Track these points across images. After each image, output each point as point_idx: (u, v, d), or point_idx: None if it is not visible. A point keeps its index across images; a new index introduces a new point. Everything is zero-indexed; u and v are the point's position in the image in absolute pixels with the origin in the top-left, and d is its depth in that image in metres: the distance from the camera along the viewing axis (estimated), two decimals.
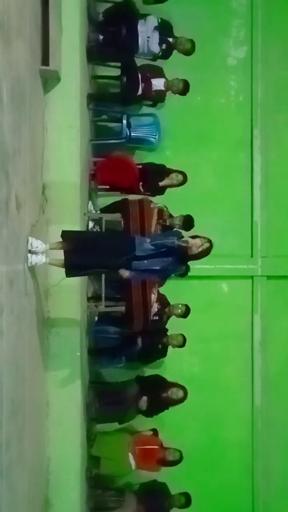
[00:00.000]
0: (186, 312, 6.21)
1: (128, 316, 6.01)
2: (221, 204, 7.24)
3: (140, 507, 6.00)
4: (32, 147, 4.56)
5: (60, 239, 4.53)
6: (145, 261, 4.50)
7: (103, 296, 5.94)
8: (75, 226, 5.20)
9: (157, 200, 6.33)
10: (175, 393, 6.04)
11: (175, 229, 6.06)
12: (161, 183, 6.31)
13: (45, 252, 4.42)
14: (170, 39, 6.22)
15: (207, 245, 4.56)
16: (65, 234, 4.52)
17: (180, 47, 6.25)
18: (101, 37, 6.06)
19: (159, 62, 6.45)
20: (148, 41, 6.15)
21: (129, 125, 6.61)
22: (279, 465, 7.08)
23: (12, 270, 3.88)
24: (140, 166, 6.46)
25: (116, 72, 6.46)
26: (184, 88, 6.29)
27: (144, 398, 6.06)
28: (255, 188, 7.27)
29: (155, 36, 6.15)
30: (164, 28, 6.23)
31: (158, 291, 6.20)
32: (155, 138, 6.89)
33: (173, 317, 6.30)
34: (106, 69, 6.62)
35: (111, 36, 6.10)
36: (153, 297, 6.00)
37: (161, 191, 6.38)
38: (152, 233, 5.67)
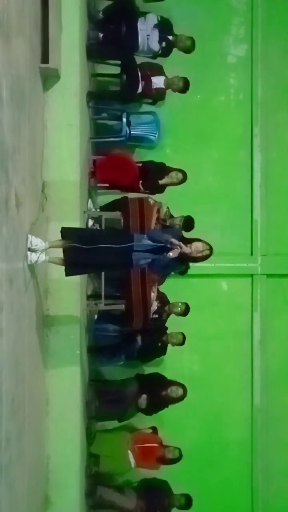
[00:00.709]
0: (185, 311, 6.22)
1: (128, 314, 6.01)
2: (221, 203, 7.24)
3: (140, 503, 6.00)
4: (31, 145, 4.55)
5: (60, 237, 4.53)
6: (146, 254, 4.51)
7: (102, 294, 5.95)
8: (75, 224, 5.20)
9: (158, 199, 6.33)
10: (175, 391, 6.05)
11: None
12: (161, 182, 6.31)
13: (45, 250, 4.42)
14: (170, 37, 6.22)
15: (207, 252, 4.60)
16: (64, 231, 4.52)
17: (180, 45, 6.25)
18: (101, 35, 6.06)
19: (159, 60, 6.44)
20: (148, 39, 6.15)
21: (129, 123, 6.61)
22: (279, 463, 7.08)
23: (11, 268, 3.88)
24: (140, 164, 6.46)
25: (116, 70, 6.45)
26: (184, 86, 6.28)
27: (144, 396, 6.06)
28: (255, 187, 7.27)
29: (155, 34, 6.14)
30: (164, 26, 6.23)
31: (157, 289, 6.20)
32: (155, 136, 6.88)
33: (172, 315, 6.31)
34: (106, 67, 6.61)
35: (111, 34, 6.09)
36: (153, 295, 6.00)
37: (161, 189, 6.38)
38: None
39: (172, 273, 5.19)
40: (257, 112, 7.28)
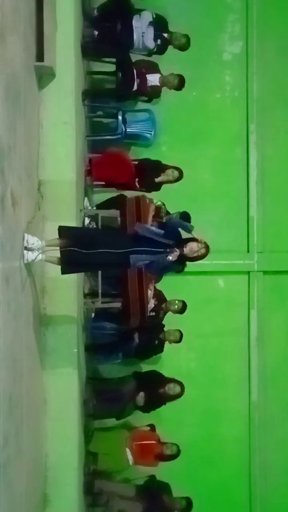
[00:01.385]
0: (182, 308, 6.22)
1: (125, 312, 6.01)
2: (217, 200, 7.24)
3: (140, 502, 5.99)
4: (27, 144, 4.55)
5: (57, 236, 4.52)
6: (143, 255, 4.50)
7: (99, 293, 5.95)
8: (71, 222, 5.19)
9: (154, 196, 6.33)
10: (172, 388, 6.06)
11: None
12: (157, 179, 6.30)
13: (41, 248, 4.41)
14: (165, 35, 6.21)
15: (203, 251, 4.58)
16: (61, 230, 4.52)
17: (175, 43, 6.24)
18: (96, 32, 6.04)
19: (154, 58, 6.43)
20: (143, 36, 6.14)
21: (124, 121, 6.60)
22: (276, 460, 7.10)
23: (8, 267, 3.87)
24: (136, 162, 6.46)
25: (111, 68, 6.44)
26: (180, 84, 6.28)
27: (141, 394, 6.07)
28: (251, 184, 7.27)
29: (150, 32, 6.13)
30: (159, 24, 6.22)
31: (154, 287, 6.20)
32: (150, 134, 6.88)
33: (170, 313, 6.31)
34: (101, 65, 6.60)
35: (106, 31, 6.08)
36: (150, 293, 6.00)
37: (157, 187, 6.38)
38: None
39: (169, 271, 5.18)
40: (252, 109, 7.28)
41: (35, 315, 4.82)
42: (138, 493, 6.08)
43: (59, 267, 4.52)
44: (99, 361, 6.42)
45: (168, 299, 6.34)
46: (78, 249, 4.43)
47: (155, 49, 6.27)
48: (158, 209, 6.21)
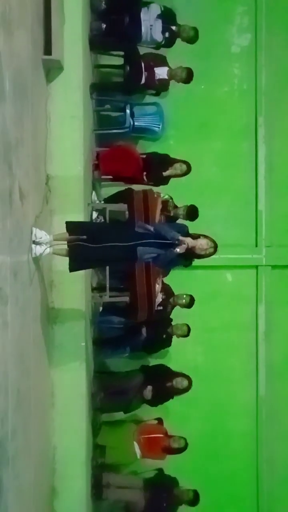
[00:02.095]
0: (190, 302, 6.21)
1: (133, 306, 6.01)
2: (225, 194, 7.21)
3: (147, 494, 6.01)
4: (35, 138, 4.54)
5: (64, 230, 4.52)
6: (151, 248, 4.50)
7: (107, 287, 5.95)
8: (79, 216, 5.19)
9: (161, 190, 6.31)
10: (180, 382, 6.06)
11: (179, 219, 6.04)
12: (164, 173, 6.28)
13: (49, 242, 4.42)
14: (173, 27, 6.18)
15: (211, 250, 4.58)
16: (69, 225, 4.52)
17: (184, 35, 6.21)
18: (103, 26, 6.02)
19: (162, 51, 6.40)
20: (151, 29, 6.11)
21: (132, 115, 6.58)
22: (283, 454, 7.09)
23: (16, 261, 3.88)
24: (144, 156, 6.43)
25: (119, 61, 6.42)
26: (188, 77, 6.25)
27: (149, 387, 6.08)
28: (259, 177, 7.23)
29: (158, 25, 6.10)
30: (167, 16, 6.18)
31: (162, 281, 6.19)
32: (158, 128, 6.85)
33: (177, 307, 6.31)
34: (109, 58, 6.57)
35: (114, 25, 6.05)
36: (157, 287, 6.00)
37: (164, 181, 6.36)
38: (156, 223, 5.65)
39: (176, 266, 5.17)
40: (261, 102, 7.23)
41: (43, 309, 4.83)
42: (145, 485, 6.10)
43: (67, 261, 4.52)
44: (106, 355, 6.43)
45: (175, 293, 6.33)
46: (86, 243, 4.43)
47: (163, 42, 6.24)
48: (165, 202, 6.20)
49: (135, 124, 6.63)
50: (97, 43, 6.03)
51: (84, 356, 5.31)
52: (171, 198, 6.34)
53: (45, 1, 4.82)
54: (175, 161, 6.29)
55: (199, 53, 6.74)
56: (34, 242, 4.32)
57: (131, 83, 6.28)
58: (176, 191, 6.42)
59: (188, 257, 4.63)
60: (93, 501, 5.80)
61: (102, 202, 6.35)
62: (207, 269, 6.88)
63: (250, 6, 7.28)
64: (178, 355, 6.76)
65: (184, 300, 6.22)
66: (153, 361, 6.65)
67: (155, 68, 6.29)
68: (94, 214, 6.04)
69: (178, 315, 6.36)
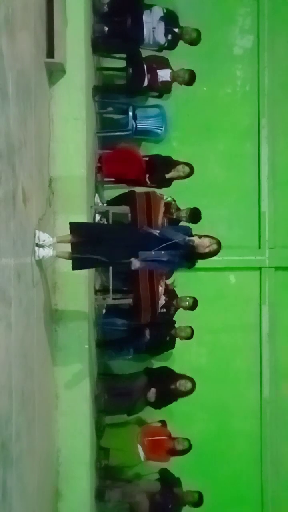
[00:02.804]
0: (193, 305, 6.21)
1: (136, 309, 6.01)
2: (228, 195, 7.21)
3: (153, 495, 6.01)
4: (38, 140, 4.55)
5: (68, 232, 4.53)
6: (152, 252, 4.49)
7: (110, 289, 5.95)
8: (82, 218, 5.19)
9: (164, 192, 6.31)
10: (184, 384, 6.06)
11: (182, 222, 6.04)
12: (167, 175, 6.29)
13: (52, 245, 4.42)
14: (176, 30, 6.19)
15: (214, 246, 4.54)
16: (72, 226, 4.53)
17: (186, 37, 6.21)
18: (106, 28, 6.03)
19: (165, 53, 6.41)
20: (153, 32, 6.12)
21: (135, 117, 6.59)
22: None
23: (19, 263, 3.88)
24: (147, 158, 6.44)
25: (122, 63, 6.43)
26: (190, 79, 6.25)
27: (153, 390, 6.07)
28: (262, 179, 7.23)
29: (161, 27, 6.11)
30: (170, 19, 6.19)
31: (165, 283, 6.19)
32: (161, 130, 6.86)
33: (181, 309, 6.30)
34: (112, 61, 6.59)
35: (117, 27, 6.06)
36: (161, 289, 6.00)
37: (167, 183, 6.36)
38: (159, 226, 5.66)
39: (180, 268, 5.17)
40: (264, 104, 7.23)
41: (47, 311, 4.83)
42: (150, 486, 6.09)
43: (70, 263, 4.53)
44: (110, 357, 6.43)
45: (179, 295, 6.33)
46: (89, 245, 4.43)
47: (165, 44, 6.25)
48: (168, 205, 6.20)
49: (138, 126, 6.64)
50: (100, 45, 6.05)
51: (87, 358, 5.31)
52: (174, 200, 6.34)
53: (47, 3, 4.83)
54: (177, 163, 6.29)
55: (201, 55, 6.74)
56: (37, 245, 4.32)
57: (133, 85, 6.29)
58: (179, 193, 6.42)
59: (192, 258, 4.62)
60: (97, 502, 5.79)
61: (105, 204, 6.36)
62: (211, 271, 6.88)
63: (252, 8, 7.30)
64: (181, 357, 6.76)
65: (187, 303, 6.22)
66: (156, 363, 6.64)
67: (157, 70, 6.31)
68: (97, 217, 6.05)
69: (181, 317, 6.36)
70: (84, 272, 5.10)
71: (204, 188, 6.99)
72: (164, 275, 6.05)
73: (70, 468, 5.22)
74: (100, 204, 6.27)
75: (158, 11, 6.16)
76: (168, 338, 6.37)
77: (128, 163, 6.30)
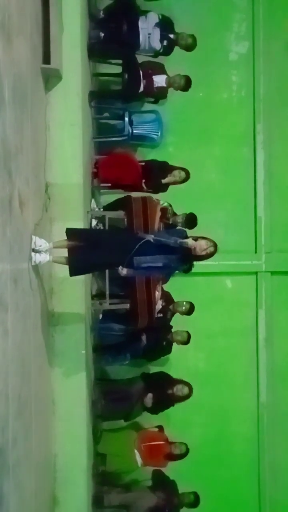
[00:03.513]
0: (190, 310, 6.21)
1: (133, 313, 6.01)
2: (225, 200, 7.23)
3: (151, 496, 5.98)
4: (34, 146, 4.56)
5: (64, 237, 4.53)
6: (148, 257, 4.49)
7: (107, 294, 5.95)
8: (79, 224, 5.20)
9: (161, 197, 6.33)
10: (181, 389, 6.05)
11: (178, 227, 6.05)
12: (164, 180, 6.30)
13: (49, 250, 4.42)
14: (172, 35, 6.21)
15: (211, 249, 4.55)
16: (69, 232, 4.53)
17: (182, 43, 6.24)
18: (102, 34, 6.05)
19: (160, 59, 6.43)
20: (149, 37, 6.14)
21: (131, 122, 6.61)
22: (285, 460, 7.08)
23: (16, 269, 3.88)
24: (143, 163, 6.46)
25: (118, 69, 6.45)
26: (186, 84, 6.28)
27: (150, 395, 6.06)
28: (258, 184, 7.26)
29: (156, 33, 6.13)
30: (165, 25, 6.22)
31: (162, 288, 6.20)
32: (157, 135, 6.88)
33: (178, 314, 6.30)
34: (108, 67, 6.61)
35: (112, 33, 6.09)
36: (157, 294, 6.00)
37: (164, 188, 6.37)
38: (155, 231, 5.67)
39: (176, 271, 5.18)
40: (259, 109, 7.26)
41: (43, 316, 4.83)
42: (148, 487, 6.08)
43: (67, 268, 4.53)
44: (107, 362, 6.42)
45: (175, 299, 6.33)
46: (85, 250, 4.44)
47: (161, 50, 6.28)
48: (164, 210, 6.20)
49: (134, 131, 6.66)
50: (96, 51, 6.07)
51: (84, 363, 5.30)
52: (170, 206, 6.36)
53: (44, 9, 4.85)
54: (174, 168, 6.31)
55: (197, 61, 6.77)
56: (33, 250, 4.32)
57: (129, 91, 6.31)
58: (175, 198, 6.43)
59: (188, 260, 4.62)
60: (94, 509, 5.77)
61: (102, 209, 6.37)
62: (207, 276, 6.89)
63: (247, 14, 7.34)
64: (178, 362, 6.76)
65: (184, 307, 6.22)
66: (153, 368, 6.64)
67: (153, 76, 6.33)
68: (94, 222, 6.05)
69: (178, 322, 6.36)
70: (80, 277, 5.10)
71: (201, 193, 7.01)
72: (161, 280, 6.05)
73: (67, 474, 5.21)
74: (97, 209, 6.28)
75: (153, 17, 6.19)
76: (165, 343, 6.37)
77: (125, 168, 6.31)
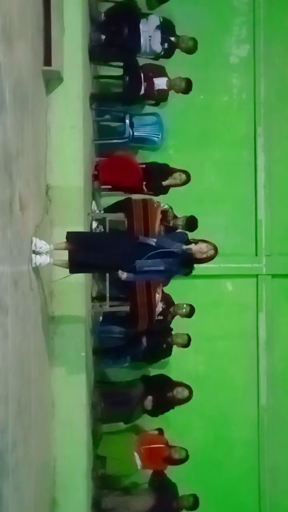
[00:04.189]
0: (190, 312, 6.21)
1: (133, 316, 6.00)
2: (225, 203, 7.23)
3: (150, 500, 5.97)
4: (35, 148, 4.56)
5: (64, 239, 4.53)
6: (149, 261, 4.49)
7: (107, 296, 5.94)
8: (79, 226, 5.20)
9: (161, 200, 6.33)
10: (181, 392, 6.04)
11: (179, 229, 6.05)
12: (164, 183, 6.30)
13: (49, 252, 4.42)
14: (172, 38, 6.22)
15: (212, 252, 4.56)
16: (70, 235, 4.53)
17: (183, 46, 6.25)
18: (103, 37, 6.06)
19: (161, 61, 6.44)
20: (150, 40, 6.15)
21: (132, 125, 6.61)
22: (285, 463, 7.07)
23: (16, 271, 3.88)
24: (144, 166, 6.46)
25: (119, 72, 6.46)
26: (187, 87, 6.28)
27: (150, 397, 6.05)
28: (258, 186, 7.26)
29: (157, 35, 6.14)
30: (166, 27, 6.23)
31: (162, 290, 6.19)
32: (158, 138, 6.88)
33: (178, 316, 6.30)
34: (109, 69, 6.62)
35: (113, 35, 6.09)
36: (158, 296, 5.99)
37: (164, 190, 6.37)
38: (155, 234, 5.67)
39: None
40: (260, 112, 7.27)
41: (43, 319, 4.82)
42: (147, 490, 6.06)
43: (67, 270, 4.52)
44: (107, 365, 6.41)
45: (176, 302, 6.32)
46: (86, 252, 4.43)
47: (162, 53, 6.29)
48: (165, 212, 6.20)
49: (135, 134, 6.67)
50: (97, 54, 6.07)
51: (84, 366, 5.29)
52: (171, 208, 6.35)
53: (45, 12, 4.85)
54: (174, 170, 6.31)
55: (198, 64, 6.78)
56: (34, 252, 4.32)
57: (130, 93, 6.32)
58: (175, 200, 6.43)
59: (189, 264, 4.63)
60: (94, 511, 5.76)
61: (102, 212, 6.36)
62: (207, 278, 6.88)
63: (248, 17, 7.35)
64: (178, 365, 6.75)
65: (184, 310, 6.22)
66: (153, 371, 6.63)
67: (154, 79, 6.33)
68: (94, 224, 6.05)
69: (178, 324, 6.35)
70: (80, 279, 5.10)
71: (201, 195, 7.01)
72: (161, 283, 6.05)
73: (66, 477, 5.19)
74: (97, 211, 6.28)
75: (154, 20, 6.20)
76: (165, 346, 6.36)
77: (125, 170, 6.32)
